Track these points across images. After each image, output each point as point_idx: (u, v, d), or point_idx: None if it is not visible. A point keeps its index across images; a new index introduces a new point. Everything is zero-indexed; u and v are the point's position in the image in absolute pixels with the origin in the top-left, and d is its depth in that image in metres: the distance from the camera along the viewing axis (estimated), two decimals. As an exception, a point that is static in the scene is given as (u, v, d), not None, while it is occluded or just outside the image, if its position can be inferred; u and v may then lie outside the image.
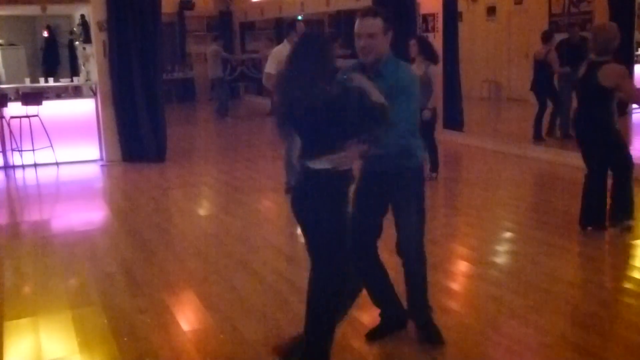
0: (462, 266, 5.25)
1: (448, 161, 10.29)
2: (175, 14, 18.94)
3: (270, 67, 7.39)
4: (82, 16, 14.08)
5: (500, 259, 5.38)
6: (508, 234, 6.09)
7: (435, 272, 4.93)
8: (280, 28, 17.15)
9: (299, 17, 16.47)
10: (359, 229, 3.55)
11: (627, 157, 5.65)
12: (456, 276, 5.01)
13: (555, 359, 3.64)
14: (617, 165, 5.64)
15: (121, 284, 4.94)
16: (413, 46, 7.42)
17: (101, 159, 10.11)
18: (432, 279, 4.77)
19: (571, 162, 8.06)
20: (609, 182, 5.68)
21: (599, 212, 5.68)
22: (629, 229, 5.64)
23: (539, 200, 7.27)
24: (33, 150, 9.58)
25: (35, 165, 9.66)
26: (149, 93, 9.69)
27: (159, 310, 4.40)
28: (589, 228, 5.68)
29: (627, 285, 4.69)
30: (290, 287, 4.71)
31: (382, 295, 3.85)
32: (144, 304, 4.52)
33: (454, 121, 11.03)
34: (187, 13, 19.28)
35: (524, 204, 7.11)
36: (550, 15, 14.11)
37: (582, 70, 5.51)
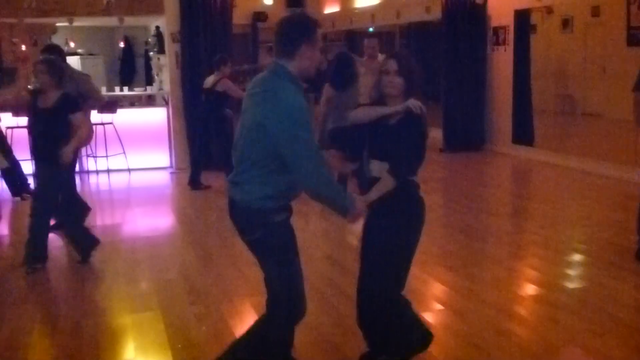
0: (525, 287, 5.09)
1: (516, 176, 10.07)
2: (248, 25, 19.21)
3: None
4: (157, 27, 14.52)
5: (566, 281, 5.19)
6: (576, 255, 5.89)
7: (498, 293, 4.81)
8: (352, 40, 17.18)
9: (370, 29, 16.47)
10: None
11: None
12: (519, 298, 4.86)
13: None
14: None
15: (180, 291, 5.02)
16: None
17: (171, 167, 10.36)
18: (494, 300, 4.66)
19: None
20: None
21: None
22: None
23: (610, 220, 6.93)
24: (107, 156, 9.90)
25: (108, 171, 9.99)
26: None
27: (215, 318, 4.46)
28: None
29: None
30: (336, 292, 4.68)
31: None
32: (201, 311, 4.59)
33: (524, 135, 10.79)
34: (260, 24, 19.52)
35: (593, 223, 6.83)
36: (629, 27, 13.62)
37: None
